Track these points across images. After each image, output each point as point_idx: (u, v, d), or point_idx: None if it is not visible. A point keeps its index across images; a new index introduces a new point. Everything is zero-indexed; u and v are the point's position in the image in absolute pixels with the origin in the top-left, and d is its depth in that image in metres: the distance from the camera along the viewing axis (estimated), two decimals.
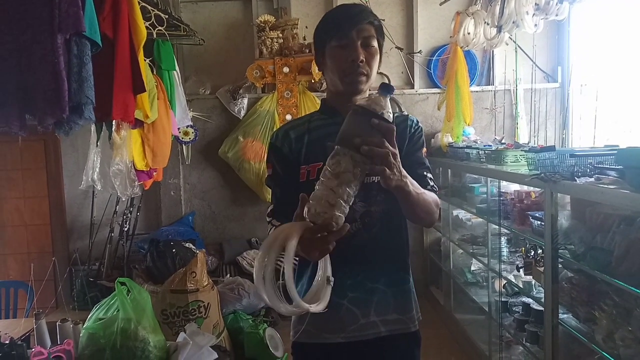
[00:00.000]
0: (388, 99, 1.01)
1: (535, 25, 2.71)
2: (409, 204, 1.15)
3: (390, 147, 0.99)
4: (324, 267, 1.09)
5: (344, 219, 0.99)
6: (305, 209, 0.99)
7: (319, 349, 1.32)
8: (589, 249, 1.92)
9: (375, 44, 1.27)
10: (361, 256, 1.29)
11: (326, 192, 0.97)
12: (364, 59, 1.24)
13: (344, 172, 0.96)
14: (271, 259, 0.96)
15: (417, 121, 1.38)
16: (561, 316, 2.14)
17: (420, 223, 1.29)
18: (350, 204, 1.00)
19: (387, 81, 4.11)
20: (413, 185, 1.11)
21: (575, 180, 1.91)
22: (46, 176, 4.18)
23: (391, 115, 1.01)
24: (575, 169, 1.97)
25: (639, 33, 2.99)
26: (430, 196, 1.22)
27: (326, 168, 0.99)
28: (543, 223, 2.22)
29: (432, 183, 1.30)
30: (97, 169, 2.82)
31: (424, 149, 1.37)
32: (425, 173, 1.30)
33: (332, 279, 1.07)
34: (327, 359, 1.33)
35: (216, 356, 1.98)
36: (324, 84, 3.24)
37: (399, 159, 1.03)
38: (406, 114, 1.42)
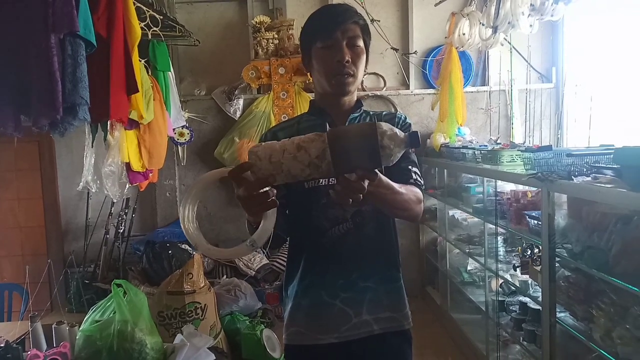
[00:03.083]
0: (403, 148, 0.96)
1: (531, 26, 2.72)
2: (382, 206, 1.17)
3: (357, 188, 0.95)
4: (262, 228, 1.04)
5: (271, 184, 0.97)
6: (255, 146, 0.98)
7: (312, 351, 1.31)
8: (586, 247, 1.93)
9: (361, 43, 1.27)
10: (353, 255, 1.29)
11: (278, 149, 0.94)
12: (350, 59, 1.24)
13: (305, 151, 0.93)
14: (191, 198, 1.04)
15: (405, 117, 1.37)
16: (559, 315, 2.14)
17: (398, 218, 1.30)
18: (289, 182, 0.97)
19: (382, 82, 4.14)
20: (380, 187, 1.06)
21: (572, 180, 1.92)
22: (41, 177, 4.15)
23: (393, 160, 0.97)
24: (572, 169, 1.98)
25: (633, 33, 3.01)
26: (411, 193, 1.19)
27: (301, 136, 0.97)
28: (540, 222, 2.22)
29: (415, 177, 1.28)
30: (92, 171, 2.81)
31: None
32: (409, 167, 1.29)
33: (257, 244, 1.04)
34: None
35: (213, 358, 1.97)
36: None
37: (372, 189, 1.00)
38: (395, 112, 1.41)
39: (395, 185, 1.12)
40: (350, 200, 0.96)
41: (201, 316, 2.33)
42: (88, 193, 3.78)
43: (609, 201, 1.76)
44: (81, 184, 2.80)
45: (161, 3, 3.49)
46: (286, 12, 4.04)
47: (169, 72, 3.44)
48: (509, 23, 2.76)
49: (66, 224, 4.17)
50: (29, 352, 1.86)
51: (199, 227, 1.07)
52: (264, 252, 3.90)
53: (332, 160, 0.92)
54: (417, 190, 1.24)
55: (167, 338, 2.13)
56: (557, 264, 2.15)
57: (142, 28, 2.46)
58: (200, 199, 1.05)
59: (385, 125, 0.94)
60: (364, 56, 1.28)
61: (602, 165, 1.89)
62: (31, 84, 1.73)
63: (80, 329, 1.91)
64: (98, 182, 2.80)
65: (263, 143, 0.97)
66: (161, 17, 3.09)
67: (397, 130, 0.95)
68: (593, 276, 1.91)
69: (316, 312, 1.30)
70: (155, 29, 3.00)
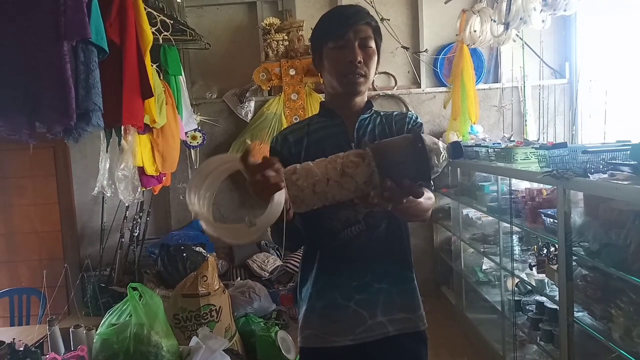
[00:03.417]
0: (446, 160, 0.92)
1: (543, 21, 2.68)
2: (402, 217, 1.19)
3: (402, 202, 0.93)
4: (266, 213, 0.95)
5: (308, 209, 0.92)
6: (289, 170, 0.91)
7: (328, 353, 1.31)
8: (604, 245, 1.89)
9: (372, 44, 1.27)
10: (366, 257, 1.29)
11: (321, 178, 0.88)
12: (362, 60, 1.24)
13: (351, 178, 0.87)
14: (200, 179, 0.94)
15: (417, 117, 1.37)
16: (576, 314, 2.11)
17: (409, 222, 1.32)
18: (329, 204, 0.91)
19: (393, 81, 4.13)
20: (407, 202, 1.04)
21: (589, 177, 1.89)
22: (56, 183, 4.20)
23: (438, 172, 0.93)
24: (588, 166, 1.95)
25: None
26: (430, 201, 1.20)
27: (341, 157, 0.90)
28: (556, 221, 2.19)
29: None
30: (106, 175, 2.84)
31: None
32: None
33: (254, 222, 0.93)
34: None
35: None
36: None
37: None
38: (406, 112, 1.41)
39: None
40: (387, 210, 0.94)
41: (216, 318, 2.34)
42: (103, 197, 3.82)
43: (626, 198, 1.72)
44: (96, 188, 2.83)
45: (172, 7, 3.51)
46: (296, 14, 4.04)
47: (180, 76, 3.47)
48: (520, 19, 2.73)
49: (82, 229, 4.22)
50: (47, 356, 1.88)
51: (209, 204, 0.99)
52: (277, 254, 3.91)
53: (379, 180, 0.87)
54: (431, 195, 1.24)
55: (183, 341, 2.15)
56: (574, 263, 2.12)
57: (153, 33, 2.48)
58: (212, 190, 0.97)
59: (427, 139, 0.90)
60: (376, 57, 1.28)
61: (619, 162, 1.86)
62: (44, 91, 1.74)
63: (97, 332, 1.93)
64: (113, 186, 2.83)
65: (298, 167, 0.90)
66: (172, 22, 3.11)
67: (440, 143, 0.92)
68: (611, 274, 1.88)
69: (330, 314, 1.30)
70: (165, 33, 3.02)
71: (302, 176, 0.88)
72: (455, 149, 0.91)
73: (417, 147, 0.87)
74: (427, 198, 1.19)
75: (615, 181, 1.75)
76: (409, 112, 1.38)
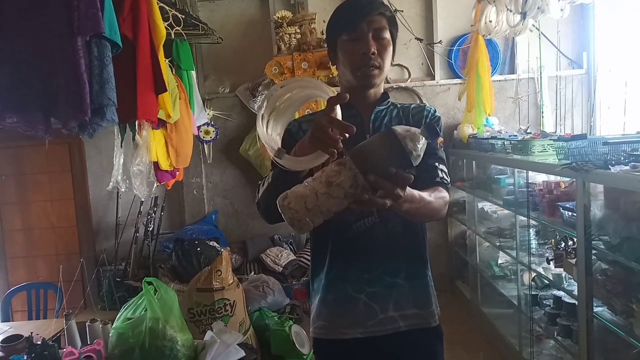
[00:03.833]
0: (424, 142, 0.93)
1: (562, 10, 2.62)
2: (412, 218, 1.16)
3: (396, 194, 0.91)
4: (303, 159, 1.04)
5: (312, 227, 0.93)
6: (281, 196, 0.94)
7: (338, 345, 1.30)
8: (625, 239, 1.85)
9: (387, 35, 1.25)
10: (379, 250, 1.27)
11: (309, 194, 0.90)
12: (376, 51, 1.22)
13: (338, 185, 0.89)
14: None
15: (435, 111, 1.34)
16: (595, 309, 2.07)
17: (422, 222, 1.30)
18: (328, 217, 0.93)
19: (407, 74, 4.08)
20: (413, 202, 1.05)
21: (609, 169, 1.84)
22: (71, 179, 4.24)
23: (419, 158, 0.93)
24: (609, 157, 1.90)
25: None
26: (441, 200, 1.17)
27: (324, 170, 0.93)
28: (575, 214, 2.15)
29: (442, 175, 1.25)
30: (121, 170, 2.85)
31: (440, 139, 1.31)
32: (436, 164, 1.25)
33: (282, 156, 1.04)
34: (346, 355, 1.32)
35: (243, 354, 1.98)
36: None
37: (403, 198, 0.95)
38: (424, 104, 1.38)
39: (425, 196, 1.10)
40: (384, 208, 0.93)
41: (230, 313, 2.35)
42: (118, 193, 3.85)
43: None
44: (111, 183, 2.85)
45: (184, 2, 3.51)
46: (307, 7, 4.01)
47: (192, 71, 3.47)
48: (538, 8, 2.67)
49: (97, 224, 4.26)
50: (64, 349, 1.90)
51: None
52: (291, 248, 3.91)
53: (363, 181, 0.89)
54: (445, 193, 1.21)
55: (198, 335, 2.15)
56: (593, 257, 2.08)
57: (165, 28, 2.47)
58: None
59: (400, 129, 0.92)
60: (391, 48, 1.26)
61: None
62: (59, 87, 1.75)
63: (113, 326, 1.94)
64: (127, 181, 2.85)
65: (288, 192, 0.93)
66: (183, 17, 3.11)
67: (412, 129, 0.94)
68: (632, 269, 1.84)
69: (341, 306, 1.29)
70: (177, 28, 3.02)
71: (293, 199, 0.92)
72: (429, 129, 0.93)
73: (390, 137, 0.90)
74: (439, 197, 1.17)
75: (638, 173, 1.70)
76: (427, 106, 1.35)
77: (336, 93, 1.03)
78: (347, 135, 0.97)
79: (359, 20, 1.21)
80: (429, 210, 1.13)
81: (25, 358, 1.91)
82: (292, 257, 3.71)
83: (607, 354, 2.10)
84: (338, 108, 1.02)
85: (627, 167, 1.79)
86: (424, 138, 0.93)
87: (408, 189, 0.99)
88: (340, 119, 1.00)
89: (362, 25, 1.21)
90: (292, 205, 0.91)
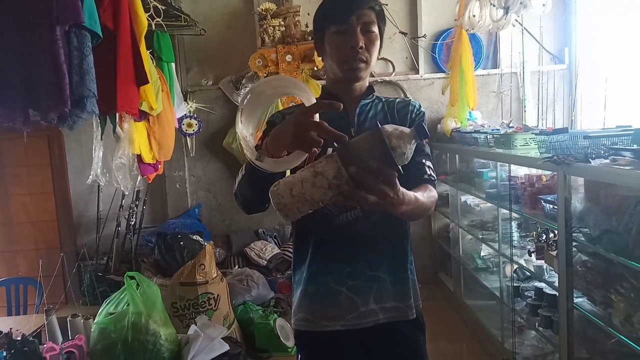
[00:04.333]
0: (414, 143, 0.95)
1: (544, 5, 2.65)
2: (405, 218, 1.17)
3: (380, 190, 0.91)
4: (286, 159, 1.02)
5: (298, 216, 0.95)
6: (275, 184, 0.96)
7: (319, 337, 1.31)
8: (605, 231, 1.89)
9: (375, 29, 1.25)
10: (361, 243, 1.27)
11: (296, 182, 0.93)
12: (364, 45, 1.22)
13: (322, 175, 0.92)
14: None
15: (420, 106, 1.34)
16: (576, 300, 2.11)
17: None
18: (315, 208, 0.95)
19: (391, 67, 4.09)
20: (409, 205, 1.04)
21: (590, 162, 1.87)
22: (51, 172, 4.17)
23: (408, 157, 0.95)
24: (589, 151, 1.93)
25: None
26: (432, 198, 1.19)
27: (314, 162, 0.96)
28: (556, 207, 2.18)
29: (429, 172, 1.26)
30: (100, 164, 2.81)
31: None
32: (423, 161, 1.26)
33: (261, 159, 1.01)
34: (328, 346, 1.32)
35: (227, 348, 1.97)
36: None
37: (393, 196, 0.95)
38: (409, 99, 1.38)
39: (419, 196, 1.10)
40: (368, 204, 0.93)
41: (214, 307, 2.34)
42: (99, 186, 3.79)
43: (628, 183, 1.71)
44: (90, 177, 2.80)
45: None
46: None
47: (172, 63, 3.43)
48: (520, 3, 2.69)
49: (78, 218, 4.19)
50: (45, 345, 1.87)
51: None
52: (275, 242, 3.91)
53: (349, 175, 0.92)
54: (434, 192, 1.22)
55: (181, 329, 2.14)
56: (574, 249, 2.11)
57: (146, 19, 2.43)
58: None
59: (389, 127, 0.94)
60: (378, 42, 1.26)
61: (621, 147, 1.84)
62: (38, 78, 1.71)
63: (95, 321, 1.92)
64: (107, 175, 2.80)
65: (281, 181, 0.96)
66: (165, 8, 3.06)
67: (402, 128, 0.95)
68: (612, 260, 1.87)
69: (322, 299, 1.29)
70: (158, 19, 2.97)
71: (282, 185, 0.95)
72: (419, 129, 0.95)
73: (376, 133, 0.92)
74: (430, 197, 1.18)
75: (617, 166, 1.73)
76: (412, 101, 1.36)
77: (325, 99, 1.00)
78: (324, 130, 0.95)
79: (349, 13, 1.21)
80: (422, 210, 1.14)
81: (4, 354, 1.87)
82: (276, 250, 3.71)
83: (587, 343, 2.14)
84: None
85: (607, 161, 1.82)
86: (412, 139, 0.94)
87: (406, 191, 1.00)
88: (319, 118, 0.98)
89: (351, 18, 1.21)
90: (280, 191, 0.94)
